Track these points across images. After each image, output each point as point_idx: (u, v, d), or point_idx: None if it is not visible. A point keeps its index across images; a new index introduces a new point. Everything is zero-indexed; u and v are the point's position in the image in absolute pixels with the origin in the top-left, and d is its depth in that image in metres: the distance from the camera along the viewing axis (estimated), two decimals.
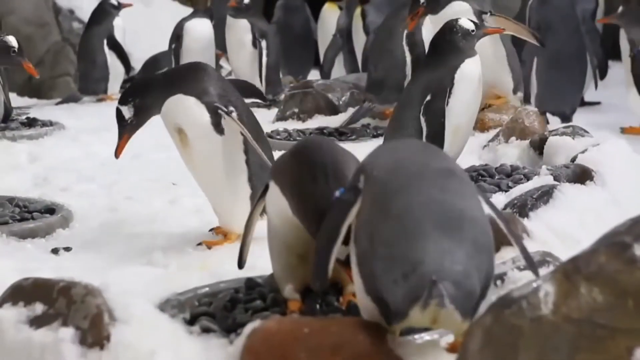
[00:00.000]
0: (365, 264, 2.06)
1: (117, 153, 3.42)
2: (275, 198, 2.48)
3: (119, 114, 3.39)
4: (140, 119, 3.40)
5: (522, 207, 3.31)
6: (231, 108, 3.34)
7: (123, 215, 3.83)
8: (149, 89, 3.40)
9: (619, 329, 1.72)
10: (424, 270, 1.96)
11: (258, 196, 2.61)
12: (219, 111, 3.32)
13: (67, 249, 3.40)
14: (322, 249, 2.18)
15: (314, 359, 1.99)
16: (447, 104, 3.99)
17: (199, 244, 3.40)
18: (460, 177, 2.20)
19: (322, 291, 2.18)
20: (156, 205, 3.84)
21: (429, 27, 5.34)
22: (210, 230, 3.54)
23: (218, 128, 3.34)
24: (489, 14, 5.02)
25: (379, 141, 4.52)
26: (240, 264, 2.73)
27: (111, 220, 3.75)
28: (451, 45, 4.03)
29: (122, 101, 3.39)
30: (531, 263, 2.23)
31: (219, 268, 3.02)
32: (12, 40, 4.65)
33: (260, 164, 3.38)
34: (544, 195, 3.39)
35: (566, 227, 3.18)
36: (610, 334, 1.72)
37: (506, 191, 3.72)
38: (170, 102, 3.35)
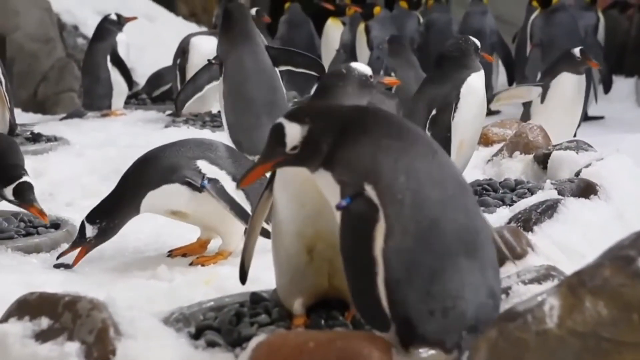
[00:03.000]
0: (397, 290, 2.06)
1: (74, 263, 3.38)
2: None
3: (82, 229, 3.37)
4: (100, 240, 3.38)
5: (527, 221, 3.32)
6: (202, 173, 3.32)
7: (128, 230, 3.81)
8: (117, 208, 3.37)
9: (624, 342, 1.72)
10: (463, 307, 2.04)
11: (264, 187, 2.55)
12: (191, 186, 3.31)
13: (67, 266, 3.39)
14: (363, 287, 2.11)
15: None
16: (452, 119, 3.99)
17: (191, 263, 3.39)
18: (467, 189, 2.22)
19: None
20: (161, 220, 3.83)
21: None
22: (168, 254, 3.51)
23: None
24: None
25: None
26: (243, 272, 2.68)
27: (116, 235, 3.74)
28: (458, 59, 4.03)
29: (89, 219, 3.36)
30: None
31: (224, 282, 3.03)
32: None
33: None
34: (548, 209, 3.39)
35: (570, 241, 3.19)
36: (616, 348, 1.72)
37: (510, 205, 3.73)
38: (145, 202, 3.36)
